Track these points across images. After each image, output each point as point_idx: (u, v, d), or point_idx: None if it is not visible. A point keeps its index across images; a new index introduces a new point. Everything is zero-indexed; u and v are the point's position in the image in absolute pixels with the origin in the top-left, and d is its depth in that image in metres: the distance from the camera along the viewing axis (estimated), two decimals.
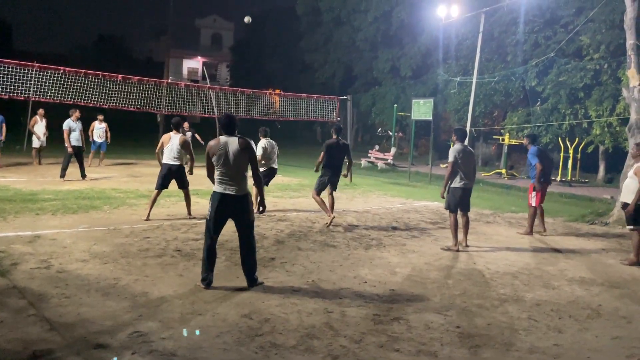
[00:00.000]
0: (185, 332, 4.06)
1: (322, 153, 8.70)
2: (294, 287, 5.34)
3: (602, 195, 14.43)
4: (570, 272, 6.53)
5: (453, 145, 7.64)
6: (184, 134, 9.98)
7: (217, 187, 5.11)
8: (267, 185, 10.15)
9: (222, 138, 5.09)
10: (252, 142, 5.16)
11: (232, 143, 5.01)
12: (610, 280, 6.25)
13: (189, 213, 8.65)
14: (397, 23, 28.05)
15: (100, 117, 15.65)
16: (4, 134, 13.93)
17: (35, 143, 14.78)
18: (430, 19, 23.03)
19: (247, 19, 19.25)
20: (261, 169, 9.92)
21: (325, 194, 8.83)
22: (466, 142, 7.76)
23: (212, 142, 5.14)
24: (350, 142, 16.60)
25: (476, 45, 17.54)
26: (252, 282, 5.24)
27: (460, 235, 7.56)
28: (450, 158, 7.43)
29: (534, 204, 8.77)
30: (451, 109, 24.01)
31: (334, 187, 8.90)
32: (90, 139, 15.32)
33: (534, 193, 8.72)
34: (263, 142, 9.87)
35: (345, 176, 9.50)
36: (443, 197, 7.69)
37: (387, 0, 28.09)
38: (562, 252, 7.71)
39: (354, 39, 31.12)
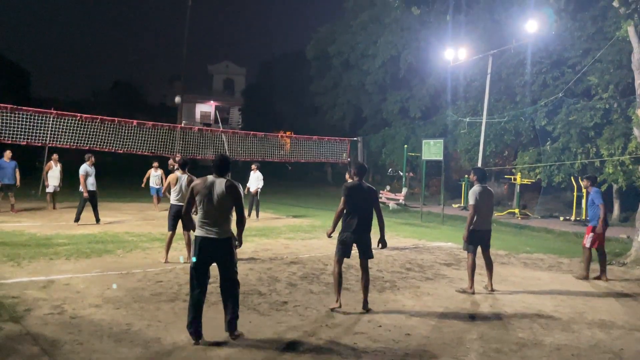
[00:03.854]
0: None
1: (342, 199, 6.11)
2: (307, 331, 5.26)
3: (618, 235, 14.20)
4: (589, 315, 6.38)
5: (472, 186, 7.53)
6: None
7: (198, 231, 4.91)
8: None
9: (210, 178, 4.94)
10: (239, 185, 4.96)
11: (219, 184, 4.87)
12: (631, 323, 6.10)
13: (189, 257, 8.58)
14: (405, 66, 28.56)
15: (156, 164, 16.18)
16: (18, 179, 14.16)
17: (50, 188, 15.00)
18: (437, 62, 23.43)
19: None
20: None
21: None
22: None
23: (198, 181, 4.99)
24: None
25: (485, 86, 17.75)
26: (232, 326, 4.92)
27: (486, 279, 7.44)
28: (471, 201, 7.26)
29: (588, 246, 8.59)
30: (461, 149, 24.08)
31: (365, 253, 6.15)
32: (142, 185, 16.70)
33: (590, 234, 8.57)
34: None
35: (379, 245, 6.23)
36: (465, 241, 7.45)
37: (394, 45, 28.68)
38: (580, 294, 7.55)
39: (363, 82, 31.67)
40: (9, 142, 13.96)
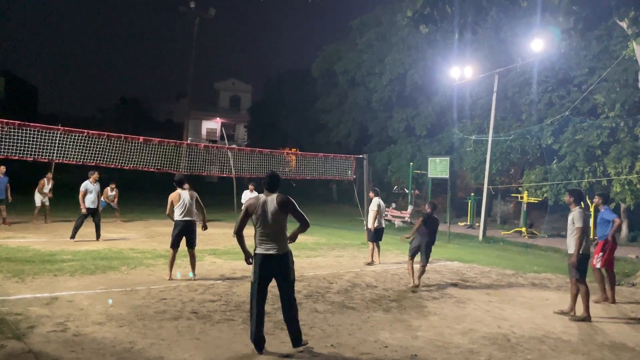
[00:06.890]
0: None
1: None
2: (313, 351, 5.19)
3: (627, 255, 14.05)
4: (599, 336, 6.27)
5: (573, 208, 7.31)
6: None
7: (258, 249, 5.08)
8: (380, 240, 11.49)
9: (262, 196, 5.12)
10: (291, 199, 5.11)
11: (271, 201, 5.03)
12: None
13: (194, 273, 8.55)
14: (411, 85, 28.65)
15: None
16: (9, 194, 14.68)
17: (38, 202, 15.52)
18: (443, 80, 23.52)
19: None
20: (376, 225, 11.17)
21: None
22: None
23: (252, 200, 5.16)
24: (366, 199, 16.61)
25: (490, 104, 17.78)
26: (297, 341, 5.16)
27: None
28: (580, 223, 7.08)
29: (598, 266, 8.31)
30: (467, 166, 24.04)
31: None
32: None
33: (600, 254, 8.32)
34: (377, 200, 11.25)
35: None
36: (576, 268, 7.15)
37: (401, 64, 28.81)
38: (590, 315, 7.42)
39: (369, 100, 31.73)
40: (16, 158, 14.08)
